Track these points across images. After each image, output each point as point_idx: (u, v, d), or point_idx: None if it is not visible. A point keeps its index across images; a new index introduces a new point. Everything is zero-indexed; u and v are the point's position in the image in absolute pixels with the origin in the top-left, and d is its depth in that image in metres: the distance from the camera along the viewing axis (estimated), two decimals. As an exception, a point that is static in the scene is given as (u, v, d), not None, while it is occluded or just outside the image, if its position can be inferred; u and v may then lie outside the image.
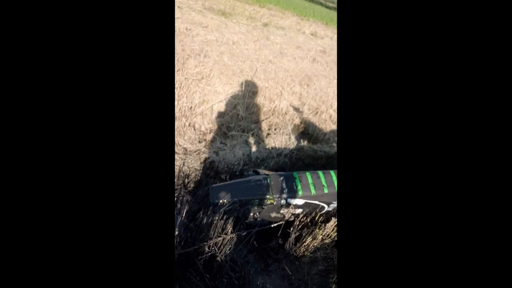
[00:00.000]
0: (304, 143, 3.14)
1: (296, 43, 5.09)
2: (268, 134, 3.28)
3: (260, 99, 3.57)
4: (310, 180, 2.04)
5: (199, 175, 2.45)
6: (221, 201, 1.89)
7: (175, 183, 2.23)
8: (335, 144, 3.39)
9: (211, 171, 2.51)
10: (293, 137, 3.28)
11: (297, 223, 1.97)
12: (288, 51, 4.82)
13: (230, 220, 1.73)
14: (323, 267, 1.98)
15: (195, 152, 2.66)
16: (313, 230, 1.94)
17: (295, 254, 1.99)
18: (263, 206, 2.01)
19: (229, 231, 1.66)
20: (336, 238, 2.03)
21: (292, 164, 2.87)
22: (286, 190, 2.00)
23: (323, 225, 2.00)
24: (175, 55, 3.66)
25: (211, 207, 1.86)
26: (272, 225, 1.91)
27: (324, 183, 2.02)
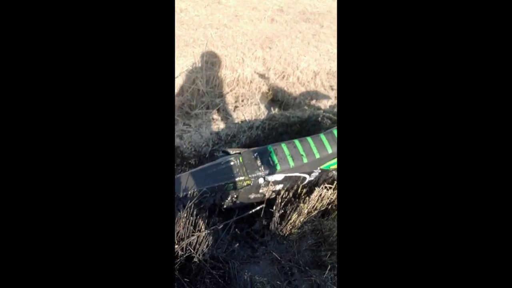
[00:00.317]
0: (275, 111, 2.87)
1: (251, 4, 4.62)
2: (236, 107, 2.97)
3: (221, 70, 3.20)
4: (286, 152, 1.80)
5: (164, 164, 2.14)
6: (189, 192, 1.62)
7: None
8: (307, 107, 3.17)
9: (177, 157, 2.21)
10: (262, 107, 2.99)
11: (279, 200, 1.75)
12: (243, 13, 4.37)
13: (203, 214, 1.47)
14: (313, 241, 1.82)
15: (155, 139, 2.32)
16: (297, 205, 1.74)
17: (281, 234, 1.80)
18: (240, 189, 1.77)
19: (203, 227, 1.41)
20: (322, 208, 1.85)
21: (265, 136, 2.62)
22: (262, 167, 1.76)
23: (307, 197, 1.80)
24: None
25: (178, 201, 1.59)
26: (252, 211, 1.68)
27: (302, 152, 1.79)
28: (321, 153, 1.79)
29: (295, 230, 1.79)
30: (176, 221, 1.34)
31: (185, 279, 1.39)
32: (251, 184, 1.75)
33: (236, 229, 1.74)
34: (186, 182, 1.63)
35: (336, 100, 3.43)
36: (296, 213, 1.70)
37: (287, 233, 1.79)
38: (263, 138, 2.61)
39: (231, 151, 1.85)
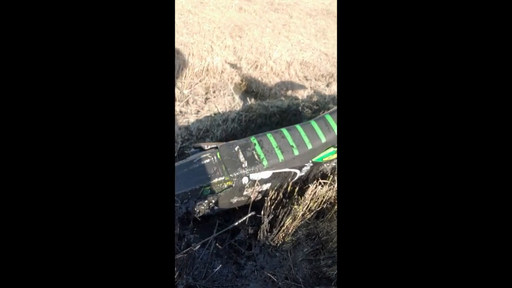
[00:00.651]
0: (251, 101, 2.51)
1: (217, -7, 4.22)
2: (207, 98, 2.56)
3: (188, 58, 2.77)
4: (274, 143, 1.44)
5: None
6: None
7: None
8: (283, 98, 2.85)
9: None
10: (237, 97, 2.62)
11: (268, 202, 1.39)
12: (209, 0, 3.96)
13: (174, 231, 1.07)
14: (310, 248, 1.49)
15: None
16: (290, 208, 1.39)
17: (272, 244, 1.45)
18: (219, 193, 1.38)
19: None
20: (317, 208, 1.52)
21: (243, 129, 2.25)
22: (246, 164, 1.38)
23: (300, 197, 1.46)
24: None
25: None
26: (237, 222, 1.30)
27: (292, 143, 1.45)
28: (313, 143, 1.46)
29: (289, 238, 1.44)
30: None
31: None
32: (233, 185, 1.37)
33: (217, 244, 1.35)
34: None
35: (312, 91, 3.16)
36: (290, 217, 1.36)
37: (279, 242, 1.44)
38: (241, 132, 2.24)
39: (206, 146, 1.46)
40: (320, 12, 4.81)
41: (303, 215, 1.44)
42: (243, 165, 1.38)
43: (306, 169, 1.55)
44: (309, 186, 1.48)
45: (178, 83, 2.57)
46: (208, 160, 1.37)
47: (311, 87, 3.22)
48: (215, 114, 2.40)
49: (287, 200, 1.48)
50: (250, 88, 2.98)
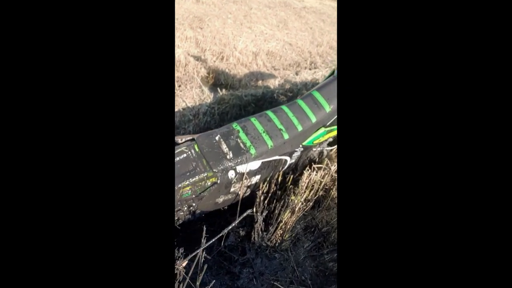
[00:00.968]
0: (222, 92, 2.26)
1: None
2: (171, 93, 2.26)
3: (145, 52, 2.44)
4: (260, 128, 1.22)
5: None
6: None
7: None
8: (255, 87, 2.64)
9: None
10: (206, 90, 2.35)
11: (261, 198, 1.17)
12: (163, -6, 3.63)
13: None
14: (311, 243, 1.29)
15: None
16: (287, 201, 1.18)
17: (270, 244, 1.23)
18: (202, 193, 1.13)
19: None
20: (314, 197, 1.33)
21: (217, 122, 2.00)
22: (231, 154, 1.14)
23: (295, 187, 1.26)
24: None
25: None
26: (228, 228, 1.05)
27: (280, 126, 1.24)
28: (303, 124, 1.26)
29: (287, 235, 1.23)
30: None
31: None
32: (218, 181, 1.12)
33: (205, 254, 1.10)
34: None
35: (282, 80, 3.00)
36: (288, 210, 1.15)
37: (277, 241, 1.23)
38: (215, 126, 1.99)
39: (179, 140, 1.19)
40: (278, 4, 4.69)
41: (302, 207, 1.24)
42: (228, 157, 1.14)
43: (296, 155, 1.35)
44: (303, 173, 1.28)
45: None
46: (184, 155, 1.11)
47: (280, 76, 3.05)
48: (183, 109, 2.12)
49: (281, 192, 1.26)
50: (218, 81, 2.72)
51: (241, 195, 1.22)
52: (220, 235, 0.93)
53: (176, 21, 3.07)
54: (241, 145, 1.17)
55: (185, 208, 1.19)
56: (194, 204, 1.19)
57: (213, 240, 0.92)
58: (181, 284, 0.85)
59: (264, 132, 1.21)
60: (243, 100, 2.15)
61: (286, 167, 1.36)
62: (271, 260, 1.20)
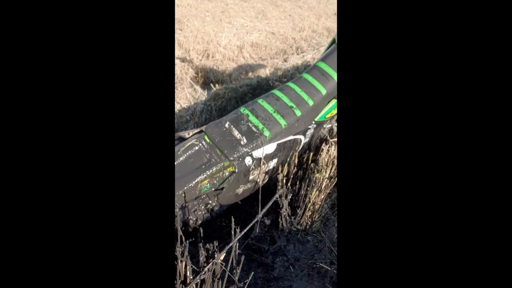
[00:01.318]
0: (216, 87, 2.17)
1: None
2: (164, 97, 2.16)
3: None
4: (270, 108, 1.14)
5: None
6: None
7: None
8: (247, 79, 2.56)
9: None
10: (199, 88, 2.26)
11: (283, 181, 1.09)
12: None
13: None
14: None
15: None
16: (311, 179, 1.10)
17: (300, 228, 1.15)
18: (221, 185, 1.04)
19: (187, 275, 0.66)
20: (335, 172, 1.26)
21: (217, 118, 1.91)
22: (245, 139, 1.06)
23: (316, 165, 1.18)
24: None
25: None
26: (259, 215, 0.95)
27: (290, 103, 1.17)
28: (314, 98, 1.19)
29: (317, 215, 1.16)
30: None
31: None
32: (236, 170, 1.04)
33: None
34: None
35: (272, 68, 2.94)
36: (315, 189, 1.07)
37: (308, 223, 1.15)
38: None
39: (187, 134, 1.11)
40: (253, -3, 4.62)
41: (327, 184, 1.16)
42: (242, 142, 1.05)
43: (310, 132, 1.28)
44: (321, 150, 1.21)
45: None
46: (196, 148, 1.03)
47: (270, 65, 2.99)
48: (179, 110, 2.03)
49: (303, 172, 1.19)
50: (208, 79, 2.63)
51: (260, 182, 1.14)
52: (252, 224, 0.85)
53: (154, 25, 2.96)
54: (253, 128, 1.09)
55: (203, 206, 1.10)
56: (210, 202, 1.10)
57: (247, 228, 0.84)
58: (220, 281, 0.76)
59: (274, 111, 1.13)
60: (238, 92, 2.07)
61: (300, 147, 1.29)
62: (304, 244, 1.12)
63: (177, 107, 2.05)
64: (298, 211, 1.13)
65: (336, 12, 4.77)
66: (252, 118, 1.11)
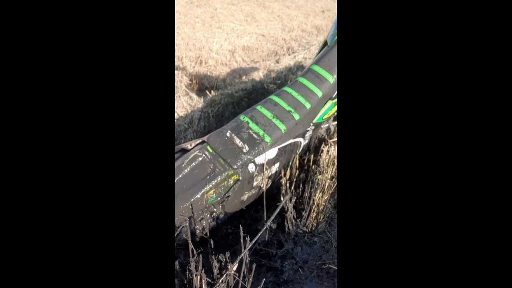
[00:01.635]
0: (212, 93, 2.18)
1: None
2: (160, 107, 2.16)
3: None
4: (268, 114, 1.16)
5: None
6: None
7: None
8: (242, 83, 2.57)
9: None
10: (194, 95, 2.27)
11: (287, 185, 1.11)
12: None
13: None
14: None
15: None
16: (314, 181, 1.12)
17: (307, 230, 1.17)
18: (227, 194, 1.05)
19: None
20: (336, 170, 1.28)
21: (215, 125, 1.92)
22: (247, 147, 1.08)
23: (317, 167, 1.20)
24: None
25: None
26: (266, 226, 0.96)
27: (288, 107, 1.18)
28: (311, 101, 1.21)
29: (322, 216, 1.18)
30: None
31: None
32: (240, 178, 1.05)
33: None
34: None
35: (266, 70, 2.95)
36: (319, 191, 1.09)
37: (313, 224, 1.17)
38: (213, 129, 1.91)
39: (189, 146, 1.12)
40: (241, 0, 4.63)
41: (329, 184, 1.18)
42: (244, 150, 1.07)
43: (309, 134, 1.29)
44: (321, 151, 1.23)
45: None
46: (200, 159, 1.04)
47: (263, 68, 3.00)
48: (177, 119, 2.03)
49: (305, 174, 1.20)
50: (202, 85, 2.64)
51: (264, 188, 1.15)
52: (264, 228, 0.86)
53: (145, 35, 2.96)
54: (254, 135, 1.10)
55: (208, 215, 1.11)
56: (215, 210, 1.11)
57: (257, 237, 0.85)
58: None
59: (273, 117, 1.15)
60: (234, 97, 2.08)
61: (300, 149, 1.31)
62: (311, 246, 1.14)
63: (175, 116, 2.05)
64: (303, 213, 1.14)
65: (323, 10, 4.81)
66: (252, 125, 1.12)
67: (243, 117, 1.15)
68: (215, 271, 0.70)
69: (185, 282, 0.73)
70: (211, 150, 1.06)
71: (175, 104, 2.14)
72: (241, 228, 0.90)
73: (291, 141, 1.20)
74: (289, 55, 3.28)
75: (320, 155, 1.21)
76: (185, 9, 3.87)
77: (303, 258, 1.11)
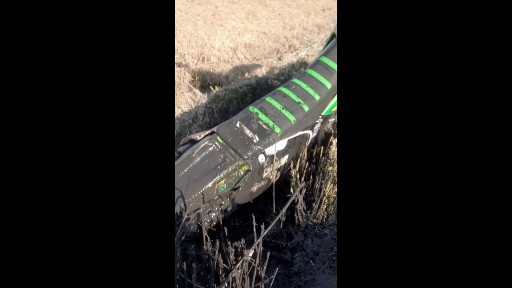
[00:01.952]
0: (216, 89, 2.17)
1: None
2: (164, 102, 2.15)
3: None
4: (278, 106, 1.15)
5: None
6: None
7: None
8: (245, 79, 2.57)
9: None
10: (198, 92, 2.26)
11: (297, 176, 1.10)
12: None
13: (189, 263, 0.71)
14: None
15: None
16: (326, 174, 1.12)
17: (317, 222, 1.16)
18: (238, 184, 1.05)
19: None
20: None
21: (219, 120, 1.91)
22: (257, 137, 1.07)
23: (328, 158, 1.20)
24: None
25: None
26: (279, 216, 0.95)
27: (297, 99, 1.18)
28: (320, 93, 1.20)
29: (332, 208, 1.17)
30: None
31: None
32: (251, 168, 1.05)
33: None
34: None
35: (268, 67, 2.95)
36: (330, 182, 1.08)
37: (324, 216, 1.16)
38: (219, 123, 1.90)
39: (198, 137, 1.11)
40: (242, -2, 4.64)
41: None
42: (254, 141, 1.06)
43: (317, 127, 1.29)
44: (330, 143, 1.22)
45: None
46: (210, 149, 1.03)
47: (265, 65, 3.00)
48: (181, 115, 2.02)
49: (315, 166, 1.20)
50: (205, 82, 2.64)
51: (273, 180, 1.15)
52: (277, 218, 0.86)
53: (147, 32, 2.95)
54: (264, 126, 1.09)
55: (216, 208, 1.10)
56: (223, 203, 1.11)
57: (273, 223, 0.84)
58: (247, 277, 0.76)
59: (283, 108, 1.14)
60: (238, 93, 2.08)
61: (309, 142, 1.30)
62: (322, 238, 1.13)
63: (179, 111, 2.04)
64: (313, 205, 1.14)
65: (324, 8, 4.82)
66: (262, 116, 1.12)
67: (252, 108, 1.14)
68: (231, 256, 0.70)
69: (202, 268, 0.72)
70: (221, 141, 1.05)
71: (179, 100, 2.13)
72: (253, 216, 0.89)
73: (300, 133, 1.20)
74: (291, 52, 3.28)
75: (329, 147, 1.21)
76: (186, 7, 3.87)
77: (314, 250, 1.11)
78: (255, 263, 0.75)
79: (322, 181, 1.09)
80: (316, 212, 1.14)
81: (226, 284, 0.67)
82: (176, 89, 2.31)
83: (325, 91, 1.21)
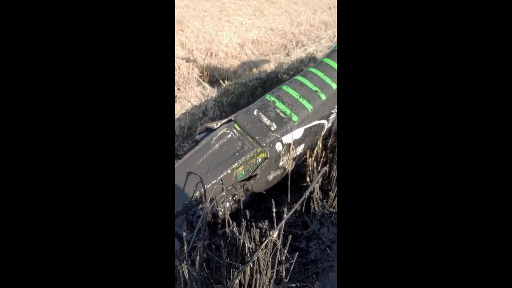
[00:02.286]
0: (226, 83, 2.18)
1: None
2: (175, 96, 2.18)
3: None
4: (295, 94, 1.16)
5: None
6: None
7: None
8: (253, 75, 2.58)
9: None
10: (207, 86, 2.27)
11: (313, 165, 1.11)
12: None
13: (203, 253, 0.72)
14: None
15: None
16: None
17: (333, 210, 1.16)
18: (255, 172, 1.05)
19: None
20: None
21: (229, 114, 1.92)
22: (274, 125, 1.08)
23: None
24: None
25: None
26: (296, 206, 0.95)
27: (314, 87, 1.18)
28: (337, 82, 1.21)
29: (348, 197, 1.17)
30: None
31: None
32: (268, 156, 1.05)
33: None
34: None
35: (276, 63, 2.95)
36: (346, 170, 1.08)
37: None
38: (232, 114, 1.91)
39: (215, 125, 1.11)
40: (248, -5, 4.64)
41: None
42: (272, 128, 1.07)
43: (332, 117, 1.29)
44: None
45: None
46: (228, 136, 1.03)
47: (273, 60, 3.00)
48: (191, 108, 2.03)
49: (332, 155, 1.20)
50: (213, 77, 2.65)
51: (289, 169, 1.15)
52: (297, 205, 0.86)
53: (155, 27, 2.97)
54: (281, 114, 1.10)
55: (230, 197, 1.11)
56: (237, 193, 1.11)
57: (298, 203, 0.85)
58: (270, 258, 0.77)
59: (300, 97, 1.15)
60: (248, 87, 2.09)
61: (324, 132, 1.31)
62: (336, 226, 1.13)
63: (189, 105, 2.05)
64: (330, 193, 1.14)
65: (330, 6, 4.82)
66: (279, 104, 1.12)
67: (269, 97, 1.15)
68: (257, 237, 0.70)
69: (228, 247, 0.73)
70: (238, 128, 1.06)
71: (189, 94, 2.14)
72: (273, 201, 0.90)
73: (316, 122, 1.20)
74: (299, 48, 3.29)
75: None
76: (194, 3, 3.89)
77: (330, 238, 1.11)
78: (276, 245, 0.76)
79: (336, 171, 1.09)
80: (333, 201, 1.14)
81: (251, 264, 0.68)
82: (186, 84, 2.32)
83: (341, 81, 1.22)
